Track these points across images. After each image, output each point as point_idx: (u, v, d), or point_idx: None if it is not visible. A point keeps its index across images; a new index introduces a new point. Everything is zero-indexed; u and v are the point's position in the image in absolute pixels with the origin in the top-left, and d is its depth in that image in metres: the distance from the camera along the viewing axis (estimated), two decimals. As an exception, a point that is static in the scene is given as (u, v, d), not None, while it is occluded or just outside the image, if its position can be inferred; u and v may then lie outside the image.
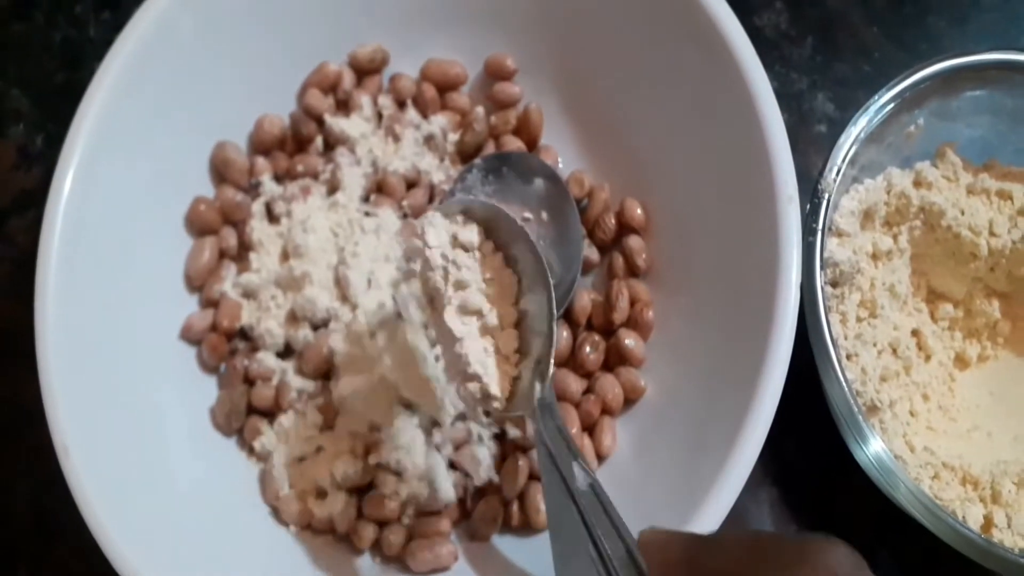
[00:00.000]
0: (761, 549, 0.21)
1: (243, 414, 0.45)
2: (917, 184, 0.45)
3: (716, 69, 0.43)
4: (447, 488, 0.43)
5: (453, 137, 0.49)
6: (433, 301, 0.38)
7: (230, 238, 0.47)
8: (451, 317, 0.37)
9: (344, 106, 0.50)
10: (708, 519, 0.36)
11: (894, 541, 0.45)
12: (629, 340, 0.45)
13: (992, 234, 0.45)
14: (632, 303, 0.45)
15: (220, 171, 0.48)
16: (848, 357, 0.42)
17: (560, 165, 0.49)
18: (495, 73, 0.50)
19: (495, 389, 0.37)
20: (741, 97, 0.41)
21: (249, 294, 0.46)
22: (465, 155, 0.49)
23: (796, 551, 0.20)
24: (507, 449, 0.44)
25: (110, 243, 0.43)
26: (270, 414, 0.45)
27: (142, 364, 0.43)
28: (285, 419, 0.44)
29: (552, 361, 0.37)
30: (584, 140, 0.50)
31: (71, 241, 0.41)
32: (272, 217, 0.48)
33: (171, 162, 0.46)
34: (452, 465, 0.43)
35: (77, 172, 0.42)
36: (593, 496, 0.33)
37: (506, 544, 0.43)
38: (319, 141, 0.49)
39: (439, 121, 0.49)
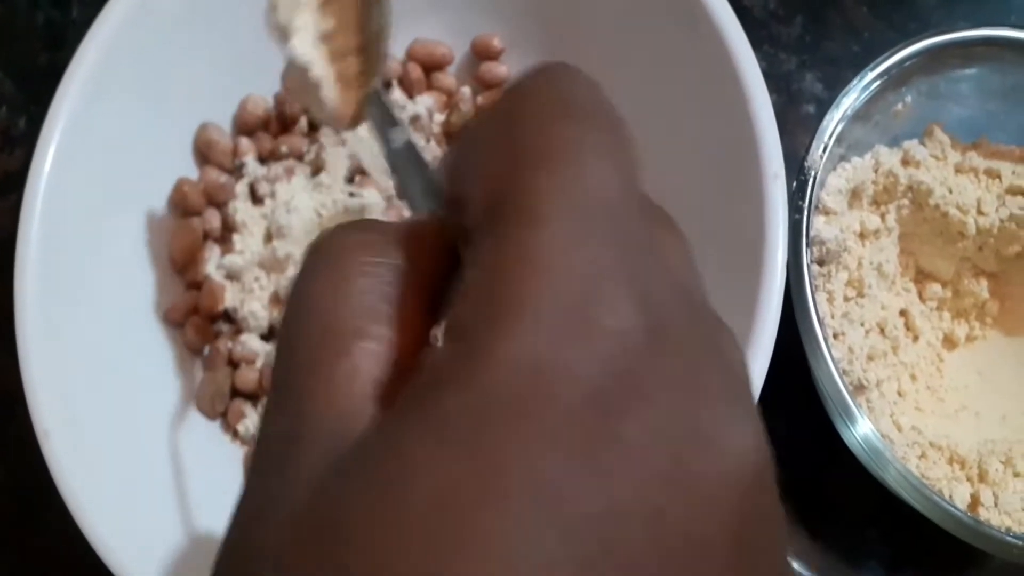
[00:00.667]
0: (510, 89, 0.19)
1: (227, 397, 0.44)
2: (905, 163, 0.45)
3: (703, 48, 0.42)
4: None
5: (439, 118, 0.49)
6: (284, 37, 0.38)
7: (214, 220, 0.47)
8: (295, 46, 0.37)
9: (329, 87, 0.49)
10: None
11: (883, 520, 0.45)
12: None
13: (980, 213, 0.44)
14: (618, 284, 0.45)
15: (203, 152, 0.47)
16: (835, 336, 0.42)
17: (547, 146, 0.49)
18: (482, 53, 0.50)
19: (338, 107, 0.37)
20: (727, 73, 0.41)
21: (233, 276, 0.46)
22: (451, 136, 0.48)
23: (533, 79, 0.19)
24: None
25: (91, 225, 0.43)
26: (254, 397, 0.45)
27: (124, 347, 0.43)
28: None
29: (382, 53, 0.36)
30: (571, 120, 0.49)
31: (51, 223, 0.41)
32: (256, 198, 0.48)
33: (153, 143, 0.46)
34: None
35: (57, 154, 0.41)
36: (408, 152, 0.33)
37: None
38: (303, 122, 0.49)
39: (425, 102, 0.49)
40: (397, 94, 0.49)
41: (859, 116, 0.43)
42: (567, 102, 0.18)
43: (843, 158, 0.44)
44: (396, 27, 0.49)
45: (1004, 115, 0.46)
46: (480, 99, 0.49)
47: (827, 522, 0.46)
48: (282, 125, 0.49)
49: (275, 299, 0.45)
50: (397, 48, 0.50)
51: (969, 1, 0.55)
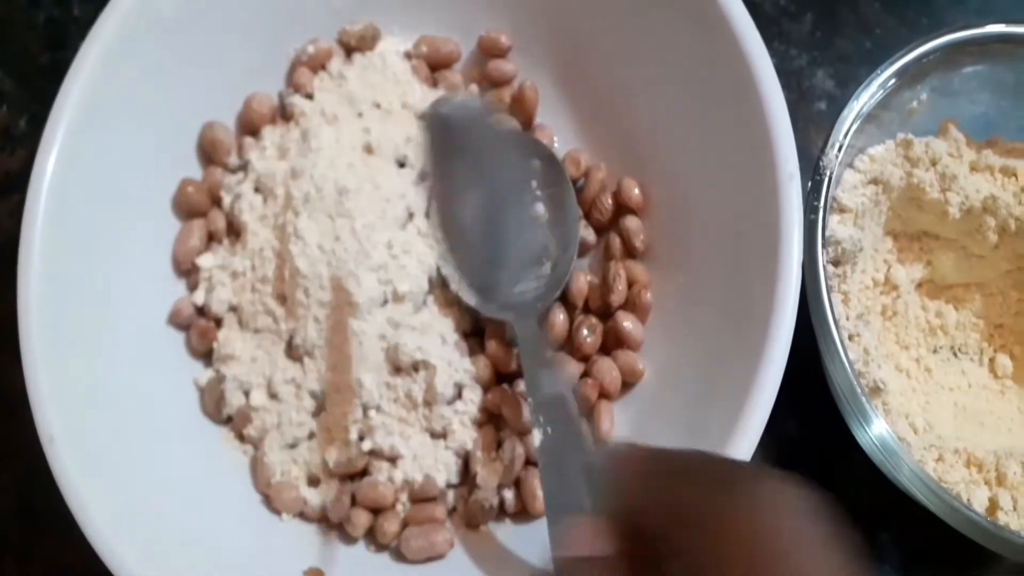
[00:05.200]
0: (718, 481, 0.22)
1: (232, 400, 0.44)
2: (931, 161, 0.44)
3: (715, 45, 0.42)
4: (442, 474, 0.42)
5: (447, 118, 0.48)
6: None
7: (218, 220, 0.46)
8: None
9: (335, 85, 0.49)
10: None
11: (897, 525, 0.45)
12: (627, 323, 0.44)
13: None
14: (630, 285, 0.44)
15: (208, 152, 0.47)
16: (850, 338, 0.41)
17: (556, 144, 0.48)
18: (489, 50, 0.49)
19: None
20: (741, 72, 0.40)
21: (238, 277, 0.45)
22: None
23: (757, 487, 0.21)
24: (504, 434, 0.43)
25: (95, 226, 0.42)
26: (261, 400, 0.44)
27: (129, 350, 0.42)
28: (276, 405, 0.43)
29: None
30: (580, 119, 0.49)
31: (54, 224, 0.40)
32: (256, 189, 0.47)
33: (157, 143, 0.45)
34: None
35: (60, 154, 0.41)
36: (561, 407, 0.32)
37: (503, 531, 0.42)
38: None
39: (432, 99, 0.48)
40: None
41: (874, 114, 0.42)
42: None
43: (857, 156, 0.43)
44: (403, 23, 0.49)
45: (1017, 112, 0.46)
46: (487, 96, 0.48)
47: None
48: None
49: (281, 299, 0.44)
50: (403, 44, 0.49)
51: (980, -3, 0.54)
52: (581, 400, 0.43)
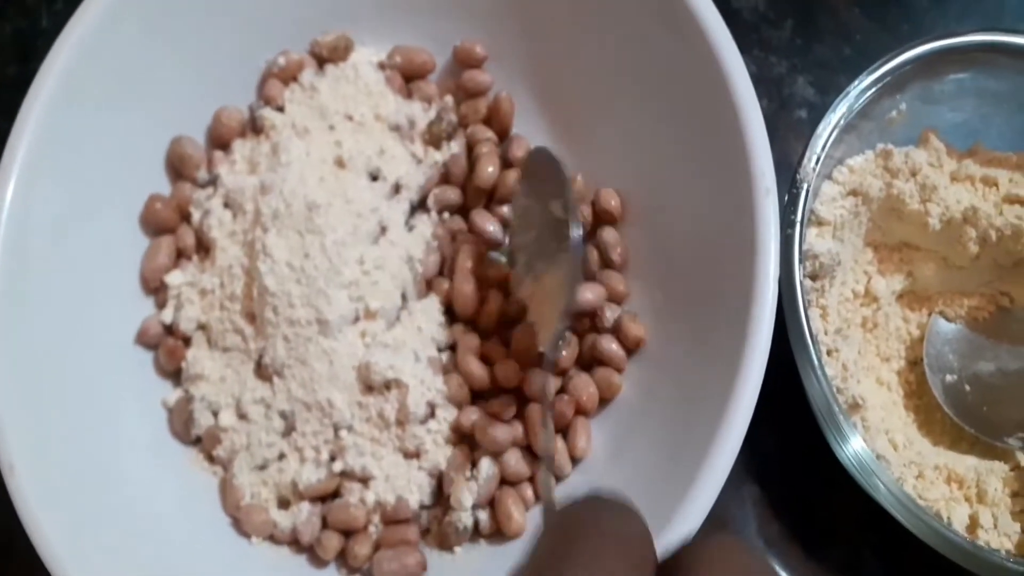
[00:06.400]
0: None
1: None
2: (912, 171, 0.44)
3: (690, 56, 0.41)
4: (415, 494, 0.41)
5: (421, 127, 0.47)
6: None
7: (187, 237, 0.45)
8: None
9: (307, 97, 0.48)
10: (688, 520, 0.35)
11: (878, 538, 0.44)
12: (612, 345, 0.43)
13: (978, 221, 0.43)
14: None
15: (176, 167, 0.46)
16: (828, 353, 0.41)
17: (532, 155, 0.47)
18: (464, 61, 0.48)
19: None
20: (716, 86, 0.40)
21: (206, 294, 0.44)
22: (433, 145, 0.47)
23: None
24: (478, 454, 0.42)
25: (59, 242, 0.41)
26: (231, 420, 0.43)
27: (95, 370, 0.41)
28: (245, 425, 0.42)
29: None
30: (556, 129, 0.48)
31: (18, 241, 0.40)
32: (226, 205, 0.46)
33: (124, 158, 0.44)
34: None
35: (22, 170, 0.40)
36: None
37: (477, 553, 0.41)
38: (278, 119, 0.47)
39: (406, 109, 0.47)
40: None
41: (852, 125, 0.42)
42: None
43: (835, 168, 0.43)
44: (376, 32, 0.49)
45: (999, 120, 0.45)
46: (463, 108, 0.48)
47: (821, 539, 0.45)
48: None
49: (250, 317, 0.43)
50: (377, 55, 0.49)
51: (961, 2, 0.54)
52: (557, 417, 0.42)
